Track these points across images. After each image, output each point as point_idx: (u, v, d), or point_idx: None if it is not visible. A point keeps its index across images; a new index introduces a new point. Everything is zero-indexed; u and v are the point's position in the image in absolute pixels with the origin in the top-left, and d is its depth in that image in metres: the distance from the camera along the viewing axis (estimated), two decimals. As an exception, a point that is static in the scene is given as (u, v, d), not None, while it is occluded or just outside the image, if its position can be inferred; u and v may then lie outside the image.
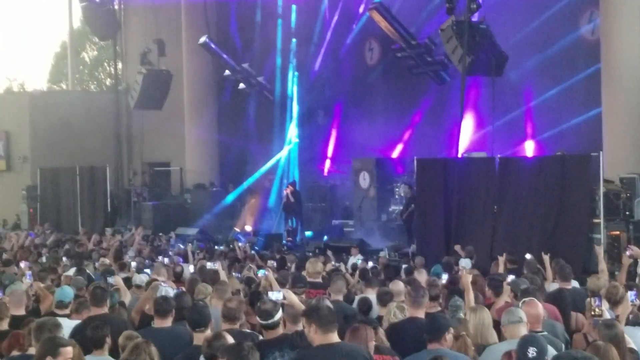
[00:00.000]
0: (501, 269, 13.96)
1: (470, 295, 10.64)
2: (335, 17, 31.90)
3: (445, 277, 13.04)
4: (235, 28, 34.59)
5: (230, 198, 32.24)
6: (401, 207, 25.27)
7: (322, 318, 7.55)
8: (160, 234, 27.52)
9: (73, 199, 34.58)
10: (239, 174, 33.74)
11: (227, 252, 21.31)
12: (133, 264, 16.55)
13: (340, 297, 11.07)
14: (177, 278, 14.31)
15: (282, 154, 32.64)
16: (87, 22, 37.21)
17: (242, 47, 34.24)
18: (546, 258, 13.99)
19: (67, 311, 10.53)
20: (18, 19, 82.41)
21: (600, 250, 14.25)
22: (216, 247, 23.07)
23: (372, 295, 11.52)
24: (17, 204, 36.85)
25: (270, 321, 8.29)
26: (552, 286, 12.44)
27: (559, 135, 24.27)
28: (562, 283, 12.02)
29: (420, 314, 9.35)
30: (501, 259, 14.50)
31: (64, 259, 18.45)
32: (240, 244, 23.53)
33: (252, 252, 21.04)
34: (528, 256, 14.68)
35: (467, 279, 10.93)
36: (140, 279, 13.11)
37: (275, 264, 17.09)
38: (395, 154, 29.26)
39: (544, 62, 25.07)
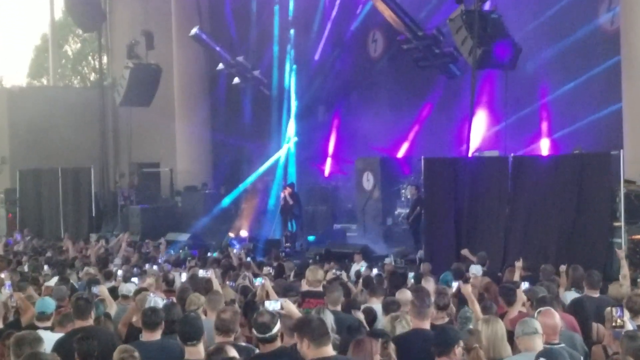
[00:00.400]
0: (516, 277, 13.93)
1: (476, 306, 10.63)
2: (336, 6, 31.89)
3: (455, 285, 13.02)
4: (230, 18, 34.53)
5: (226, 201, 32.20)
6: (407, 210, 25.25)
7: (313, 331, 7.52)
8: (148, 240, 27.46)
9: (55, 202, 34.59)
10: (234, 175, 33.74)
11: (221, 259, 21.28)
12: (119, 272, 16.56)
13: (338, 308, 11.03)
14: (169, 287, 14.28)
15: (281, 153, 32.61)
16: (70, 13, 37.19)
17: (237, 39, 34.20)
18: (563, 267, 13.96)
19: (48, 323, 10.50)
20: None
21: (622, 255, 14.17)
22: (209, 254, 23.03)
23: (377, 305, 11.50)
24: (-5, 208, 36.84)
25: (267, 334, 8.25)
26: (566, 295, 12.40)
27: (576, 132, 24.21)
28: (589, 291, 11.89)
29: (426, 325, 9.32)
30: (518, 265, 14.46)
31: (46, 267, 18.43)
32: (235, 251, 23.51)
33: (248, 259, 21.03)
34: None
35: (467, 289, 10.92)
36: (127, 288, 13.08)
37: (272, 272, 17.08)
38: (400, 153, 29.22)
39: (559, 54, 25.02)
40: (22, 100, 39.14)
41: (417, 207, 23.78)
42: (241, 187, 32.17)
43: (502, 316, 10.42)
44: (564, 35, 24.94)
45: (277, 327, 8.30)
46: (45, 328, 10.26)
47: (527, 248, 17.98)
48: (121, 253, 22.69)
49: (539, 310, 9.05)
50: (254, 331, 8.37)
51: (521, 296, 10.95)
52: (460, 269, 15.76)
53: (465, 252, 17.91)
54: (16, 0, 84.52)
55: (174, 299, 11.76)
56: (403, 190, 26.28)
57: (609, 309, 9.45)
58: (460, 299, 11.76)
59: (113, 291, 13.48)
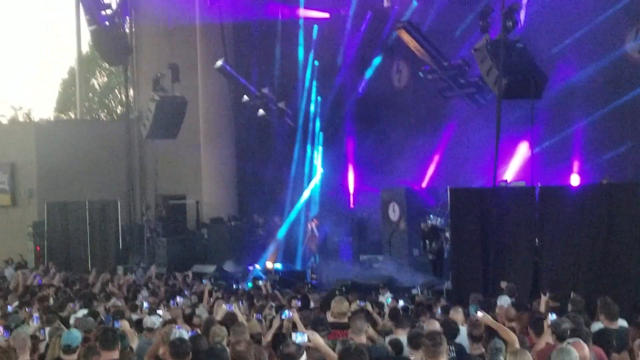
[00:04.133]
0: (542, 308, 13.82)
1: (507, 333, 10.55)
2: (360, 38, 31.98)
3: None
4: (255, 51, 34.69)
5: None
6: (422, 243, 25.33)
7: None
8: (176, 273, 27.44)
9: (82, 235, 34.74)
10: (259, 206, 33.73)
11: (247, 291, 21.27)
12: (145, 304, 16.56)
13: (363, 338, 10.99)
14: (187, 320, 14.17)
15: (313, 184, 32.50)
16: (97, 47, 37.38)
17: (262, 71, 34.33)
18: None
19: (74, 356, 10.50)
20: (24, 44, 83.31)
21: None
22: (234, 285, 23.01)
23: (402, 336, 11.43)
24: (23, 241, 36.94)
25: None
26: (595, 326, 12.29)
27: (604, 162, 24.08)
28: (607, 322, 11.82)
29: (443, 362, 9.25)
30: (544, 298, 14.35)
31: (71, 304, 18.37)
32: (261, 282, 23.50)
33: (275, 291, 20.99)
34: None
35: (485, 318, 10.86)
36: (152, 321, 13.04)
37: (299, 304, 17.02)
38: (425, 182, 29.16)
39: (584, 83, 24.86)
40: (49, 134, 39.41)
41: (426, 239, 23.88)
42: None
43: (531, 347, 10.35)
44: (589, 63, 24.80)
45: (303, 359, 8.27)
46: (71, 361, 10.26)
47: (556, 279, 17.83)
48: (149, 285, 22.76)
49: (567, 342, 8.97)
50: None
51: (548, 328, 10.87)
52: (480, 299, 15.70)
53: (503, 284, 17.75)
54: (44, 35, 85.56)
55: (199, 331, 11.74)
56: (423, 224, 26.12)
57: (638, 341, 9.31)
58: (492, 331, 11.63)
59: (139, 323, 13.48)
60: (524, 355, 9.01)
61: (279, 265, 29.30)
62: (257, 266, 28.79)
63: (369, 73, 31.90)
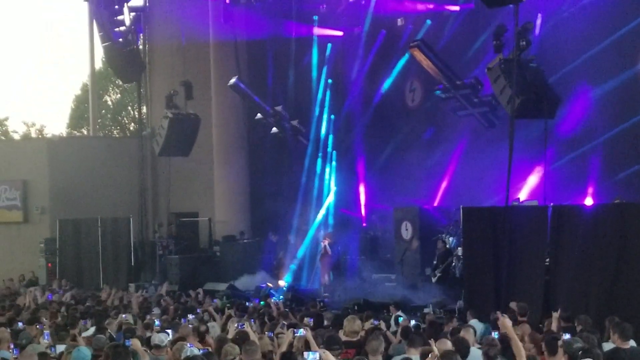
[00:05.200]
0: (554, 326, 13.82)
1: (518, 348, 10.57)
2: (374, 56, 32.06)
3: (495, 336, 13.00)
4: (268, 69, 34.80)
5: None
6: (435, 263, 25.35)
7: None
8: (190, 291, 27.49)
9: (94, 252, 34.88)
10: (273, 225, 33.77)
11: (259, 309, 21.32)
12: (157, 322, 16.63)
13: (379, 357, 11.04)
14: (201, 338, 14.21)
15: (328, 202, 32.49)
16: (110, 64, 37.60)
17: (275, 89, 34.41)
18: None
19: (84, 374, 10.58)
20: (37, 60, 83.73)
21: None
22: (247, 303, 23.04)
23: (415, 355, 11.47)
24: (35, 257, 37.07)
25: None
26: (605, 345, 12.30)
27: (618, 181, 24.04)
28: (620, 342, 11.83)
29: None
30: (555, 315, 14.35)
31: (82, 322, 18.43)
32: (273, 300, 23.55)
33: (286, 309, 21.02)
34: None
35: (508, 323, 10.87)
36: (160, 338, 13.08)
37: (311, 322, 17.05)
38: (437, 201, 29.18)
39: (597, 102, 24.84)
40: (62, 150, 39.61)
41: (443, 260, 23.88)
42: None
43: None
44: (602, 81, 24.77)
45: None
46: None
47: (568, 298, 17.83)
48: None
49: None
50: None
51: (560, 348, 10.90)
52: (493, 318, 15.76)
53: (512, 305, 17.77)
54: (57, 50, 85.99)
55: (210, 349, 11.79)
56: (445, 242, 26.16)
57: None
58: (504, 348, 11.65)
59: (149, 341, 13.56)
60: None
61: (282, 283, 29.33)
62: (270, 284, 28.81)
63: (382, 91, 31.94)
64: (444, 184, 29.18)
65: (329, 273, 28.75)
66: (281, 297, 26.05)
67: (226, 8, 32.65)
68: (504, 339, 12.51)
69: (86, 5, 40.85)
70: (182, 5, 37.21)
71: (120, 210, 36.45)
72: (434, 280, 25.06)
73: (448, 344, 11.39)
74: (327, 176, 33.10)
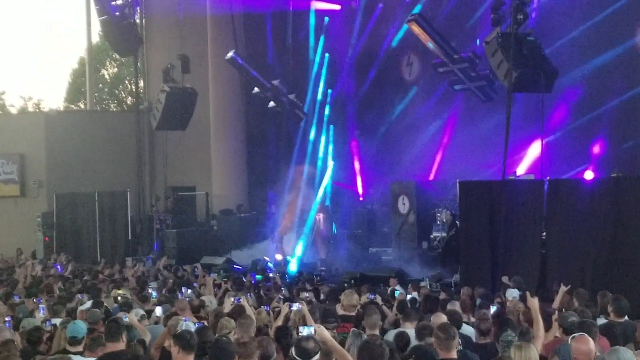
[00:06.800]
0: (557, 302, 13.73)
1: (538, 327, 10.53)
2: (371, 30, 31.96)
3: (492, 310, 13.04)
4: (266, 42, 34.70)
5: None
6: (443, 234, 25.30)
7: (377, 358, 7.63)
8: (187, 266, 27.47)
9: (92, 226, 34.88)
10: (270, 198, 33.76)
11: (255, 283, 21.35)
12: (154, 294, 16.68)
13: (376, 332, 11.04)
14: (195, 311, 14.19)
15: (327, 177, 32.39)
16: (107, 37, 37.41)
17: (273, 63, 34.33)
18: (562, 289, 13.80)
19: (80, 348, 10.57)
20: (34, 34, 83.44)
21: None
22: (244, 278, 23.07)
23: (410, 329, 11.45)
24: (32, 231, 37.07)
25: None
26: (600, 320, 12.28)
27: (614, 155, 24.03)
28: (615, 317, 11.83)
29: (452, 355, 9.26)
30: (563, 288, 14.18)
31: (78, 296, 18.44)
32: (270, 274, 23.58)
33: (281, 282, 21.06)
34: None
35: (535, 304, 10.79)
36: (160, 311, 13.29)
37: (308, 297, 17.05)
38: (432, 175, 29.19)
39: (594, 74, 24.79)
40: (59, 124, 39.52)
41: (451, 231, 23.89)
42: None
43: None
44: (599, 53, 24.71)
45: (317, 357, 8.31)
46: (77, 353, 10.32)
47: (563, 272, 17.83)
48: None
49: (573, 335, 8.99)
50: (294, 354, 8.35)
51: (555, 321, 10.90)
52: (488, 294, 15.80)
53: (504, 279, 17.80)
54: (54, 24, 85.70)
55: (206, 323, 11.79)
56: (439, 215, 26.20)
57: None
58: (501, 323, 11.63)
59: (149, 314, 13.59)
60: (528, 350, 9.02)
61: (279, 257, 29.31)
62: (267, 258, 28.82)
63: (379, 65, 31.86)
64: (438, 157, 29.18)
65: (325, 247, 28.74)
66: (273, 269, 26.12)
67: (223, -19, 32.57)
68: (501, 314, 12.54)
69: (83, -22, 40.67)
70: (179, -22, 37.05)
71: (117, 184, 36.42)
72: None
73: (443, 317, 11.39)
74: (323, 150, 33.02)
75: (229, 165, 35.35)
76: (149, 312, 13.96)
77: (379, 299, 15.41)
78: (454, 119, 28.70)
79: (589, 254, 18.07)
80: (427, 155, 29.52)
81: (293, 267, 27.95)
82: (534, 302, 10.83)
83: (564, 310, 11.77)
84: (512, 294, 15.44)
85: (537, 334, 10.34)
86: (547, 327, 10.98)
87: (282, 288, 19.34)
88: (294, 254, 29.34)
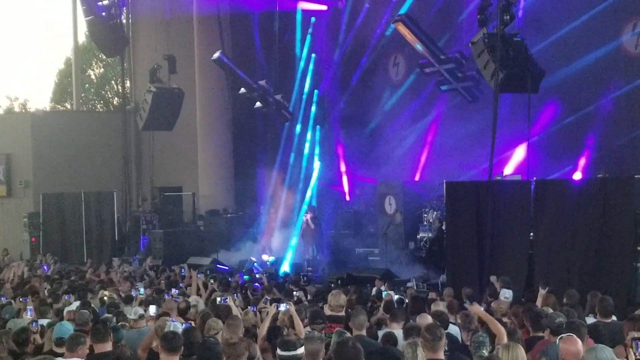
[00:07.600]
0: (539, 302, 13.74)
1: (497, 326, 10.58)
2: (357, 31, 31.92)
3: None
4: (252, 43, 34.65)
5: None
6: (430, 235, 25.30)
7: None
8: (174, 266, 27.39)
9: (78, 226, 34.83)
10: (257, 199, 33.73)
11: (242, 284, 21.30)
12: (141, 296, 16.61)
13: (363, 332, 11.01)
14: (182, 314, 14.12)
15: (314, 177, 32.31)
16: (93, 38, 37.34)
17: (259, 63, 34.28)
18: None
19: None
20: (20, 34, 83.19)
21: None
22: (230, 278, 23.00)
23: (397, 330, 11.43)
24: (18, 232, 36.96)
25: (292, 352, 8.27)
26: (587, 320, 12.28)
27: (600, 156, 24.05)
28: (601, 318, 11.82)
29: (440, 356, 9.23)
30: (542, 291, 14.25)
31: (65, 296, 18.35)
32: (257, 275, 23.54)
33: (270, 283, 21.01)
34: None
35: (476, 308, 10.90)
36: (152, 310, 13.24)
37: (298, 295, 17.00)
38: (418, 175, 29.18)
39: (580, 74, 24.79)
40: (45, 124, 39.41)
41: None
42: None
43: (526, 341, 10.35)
44: (583, 54, 24.73)
45: (301, 350, 8.32)
46: (62, 354, 10.25)
47: (550, 272, 17.83)
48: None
49: (561, 336, 8.97)
50: (278, 350, 8.38)
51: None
52: (472, 294, 15.78)
53: (492, 279, 17.77)
54: (40, 24, 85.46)
55: (193, 323, 11.75)
56: (425, 215, 26.18)
57: (630, 339, 9.19)
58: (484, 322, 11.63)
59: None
60: (516, 349, 9.00)
61: (267, 257, 29.25)
62: (253, 259, 28.78)
63: (365, 65, 31.84)
64: (424, 158, 29.17)
65: (312, 247, 28.71)
66: (260, 270, 26.12)
67: (210, -19, 32.51)
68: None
69: (69, -22, 40.55)
70: (166, -21, 36.97)
71: (104, 184, 36.38)
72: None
73: (429, 318, 11.37)
74: (309, 151, 32.98)
75: (215, 165, 35.27)
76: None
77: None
78: (440, 119, 28.69)
79: (576, 253, 18.09)
80: (413, 155, 29.49)
81: (286, 268, 27.92)
82: (475, 308, 10.92)
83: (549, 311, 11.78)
84: (505, 294, 15.43)
85: (497, 332, 10.41)
86: (538, 329, 10.96)
87: (274, 289, 19.27)
88: (285, 255, 29.27)
